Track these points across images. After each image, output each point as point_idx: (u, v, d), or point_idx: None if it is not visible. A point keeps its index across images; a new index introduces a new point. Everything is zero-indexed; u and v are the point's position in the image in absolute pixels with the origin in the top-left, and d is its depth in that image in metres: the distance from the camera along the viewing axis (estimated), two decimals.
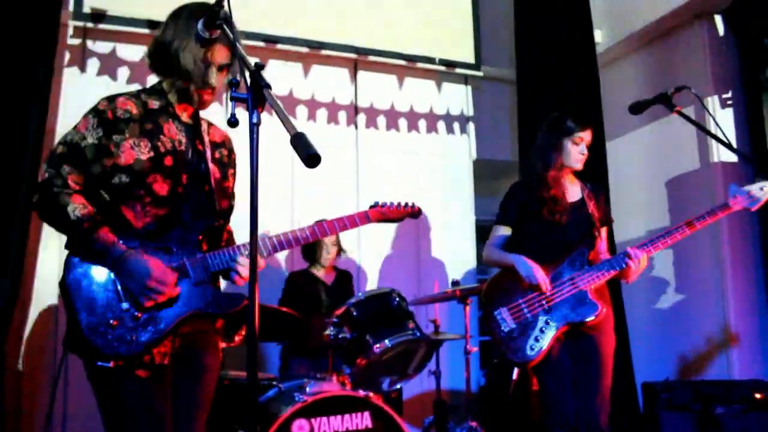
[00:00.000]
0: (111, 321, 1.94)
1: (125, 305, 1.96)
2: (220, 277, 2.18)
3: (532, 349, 2.89)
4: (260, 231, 1.65)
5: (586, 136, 3.04)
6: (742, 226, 4.43)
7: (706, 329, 4.49)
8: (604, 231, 3.15)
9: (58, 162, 2.00)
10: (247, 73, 1.65)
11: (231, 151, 2.33)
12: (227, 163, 2.29)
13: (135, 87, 2.28)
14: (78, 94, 4.20)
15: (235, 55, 2.05)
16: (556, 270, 2.96)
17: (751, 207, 2.90)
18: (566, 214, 3.01)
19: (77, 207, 1.96)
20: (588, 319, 2.89)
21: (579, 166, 3.08)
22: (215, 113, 4.50)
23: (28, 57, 3.62)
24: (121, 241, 1.97)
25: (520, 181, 3.24)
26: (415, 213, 2.56)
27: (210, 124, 2.30)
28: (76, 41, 4.35)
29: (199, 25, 2.00)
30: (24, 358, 3.84)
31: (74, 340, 1.96)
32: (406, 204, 2.53)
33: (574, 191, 3.13)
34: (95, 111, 2.05)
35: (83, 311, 1.94)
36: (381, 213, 2.44)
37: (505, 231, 3.15)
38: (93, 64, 4.37)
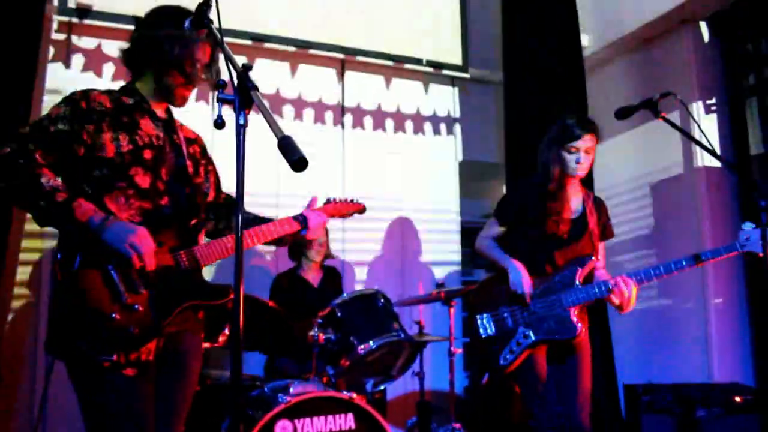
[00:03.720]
0: (113, 315, 1.93)
1: (125, 297, 1.96)
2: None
3: (505, 359, 2.93)
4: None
5: (582, 144, 2.93)
6: (725, 231, 4.46)
7: (688, 332, 4.52)
8: (602, 246, 3.11)
9: (22, 140, 1.96)
10: (234, 75, 1.64)
11: (204, 149, 2.39)
12: (200, 159, 2.35)
13: (120, 83, 2.30)
14: (62, 90, 4.15)
15: (216, 54, 2.16)
16: (545, 284, 2.96)
17: (759, 252, 2.59)
18: (567, 226, 2.98)
19: (50, 178, 1.93)
20: (565, 339, 2.91)
21: (580, 174, 2.99)
22: (201, 114, 4.52)
23: (11, 51, 3.56)
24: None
25: (529, 181, 3.14)
26: (360, 210, 2.78)
27: (181, 124, 2.34)
28: (61, 36, 4.29)
29: (186, 24, 2.01)
30: (1, 359, 3.77)
31: (64, 342, 1.93)
32: (353, 200, 2.75)
33: (576, 202, 3.08)
34: (68, 99, 2.06)
35: (81, 305, 1.91)
36: (333, 208, 2.65)
37: (499, 228, 3.14)
38: (78, 59, 4.32)
